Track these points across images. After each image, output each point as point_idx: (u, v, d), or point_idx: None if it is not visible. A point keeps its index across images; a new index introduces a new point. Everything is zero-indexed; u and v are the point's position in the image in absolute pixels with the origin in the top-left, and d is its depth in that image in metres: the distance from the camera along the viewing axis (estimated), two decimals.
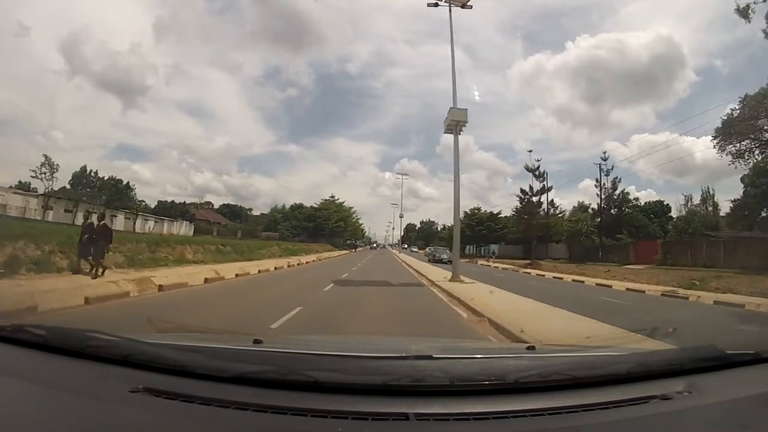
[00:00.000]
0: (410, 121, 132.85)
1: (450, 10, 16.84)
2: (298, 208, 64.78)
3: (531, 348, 1.71)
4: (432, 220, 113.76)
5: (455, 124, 16.50)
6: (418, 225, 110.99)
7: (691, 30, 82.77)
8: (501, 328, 6.27)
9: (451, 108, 16.68)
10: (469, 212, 57.88)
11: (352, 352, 1.46)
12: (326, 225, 59.45)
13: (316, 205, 63.86)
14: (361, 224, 78.83)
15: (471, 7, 16.90)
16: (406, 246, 78.57)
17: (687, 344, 1.63)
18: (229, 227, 55.88)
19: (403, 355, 1.35)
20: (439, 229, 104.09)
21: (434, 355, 1.37)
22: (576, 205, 54.59)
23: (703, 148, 45.13)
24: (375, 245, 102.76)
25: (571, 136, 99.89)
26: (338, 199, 67.22)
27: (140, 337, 1.42)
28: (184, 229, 47.17)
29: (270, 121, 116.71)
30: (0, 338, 1.33)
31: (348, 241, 69.50)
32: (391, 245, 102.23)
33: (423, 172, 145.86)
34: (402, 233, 72.71)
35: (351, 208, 69.36)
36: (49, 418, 0.98)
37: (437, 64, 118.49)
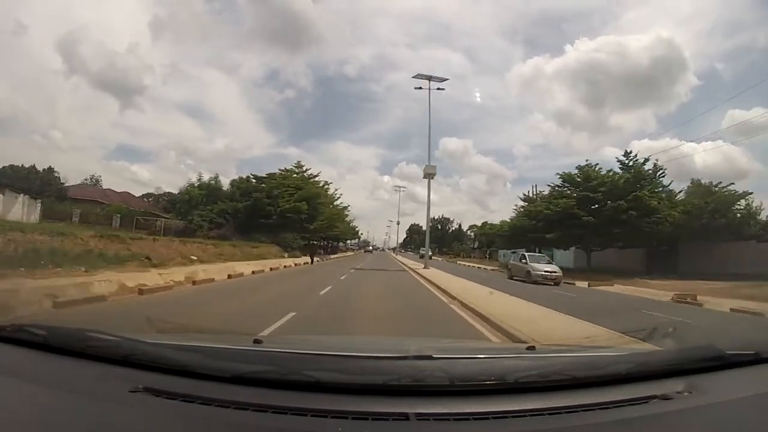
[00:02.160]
0: (410, 124, 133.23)
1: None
2: (241, 183, 36.80)
3: (531, 348, 1.71)
4: (447, 217, 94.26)
5: (429, 175, 28.88)
6: (425, 226, 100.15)
7: (693, 35, 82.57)
8: None
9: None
10: (576, 174, 27.07)
11: (353, 352, 1.45)
12: (271, 208, 32.23)
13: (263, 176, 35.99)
14: (346, 205, 48.12)
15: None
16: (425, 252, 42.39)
17: (687, 345, 1.63)
18: (110, 209, 32.70)
19: (404, 355, 1.35)
20: (452, 228, 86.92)
21: (434, 355, 1.36)
22: (690, 184, 30.48)
23: (702, 151, 43.57)
24: (372, 248, 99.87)
25: (571, 141, 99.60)
26: (308, 169, 38.26)
27: (140, 337, 1.42)
28: (18, 209, 24.02)
29: (270, 124, 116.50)
30: (0, 338, 1.33)
31: (339, 242, 43.73)
32: (393, 249, 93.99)
33: (421, 175, 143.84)
34: (428, 236, 33.07)
35: (327, 183, 40.44)
36: (49, 418, 0.97)
37: (438, 68, 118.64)
